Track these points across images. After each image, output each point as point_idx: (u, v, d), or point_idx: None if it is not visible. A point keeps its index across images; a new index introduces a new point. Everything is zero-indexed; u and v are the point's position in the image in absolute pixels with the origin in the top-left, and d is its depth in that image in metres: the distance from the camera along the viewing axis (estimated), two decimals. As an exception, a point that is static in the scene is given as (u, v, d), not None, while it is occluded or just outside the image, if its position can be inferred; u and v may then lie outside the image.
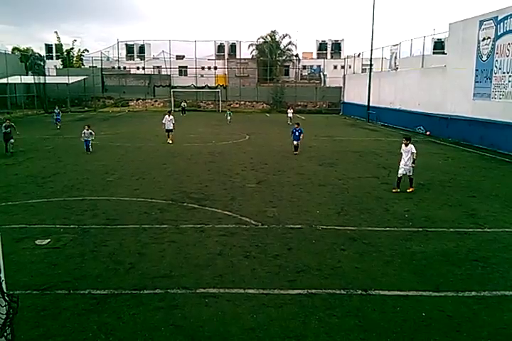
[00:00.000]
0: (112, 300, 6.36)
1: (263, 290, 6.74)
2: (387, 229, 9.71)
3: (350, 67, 52.79)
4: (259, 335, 5.51)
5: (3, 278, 2.17)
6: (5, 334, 2.23)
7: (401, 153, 13.20)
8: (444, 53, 34.85)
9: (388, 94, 37.41)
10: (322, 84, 59.78)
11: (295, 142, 20.14)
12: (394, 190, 12.92)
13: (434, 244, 8.78)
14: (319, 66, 65.68)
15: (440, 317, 5.96)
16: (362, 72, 49.41)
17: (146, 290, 6.68)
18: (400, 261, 7.91)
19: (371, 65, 39.58)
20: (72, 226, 9.67)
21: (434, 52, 44.97)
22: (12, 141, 19.54)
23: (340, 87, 52.82)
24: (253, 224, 9.99)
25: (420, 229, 9.66)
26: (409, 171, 12.90)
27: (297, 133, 20.03)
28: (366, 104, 39.99)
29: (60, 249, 8.32)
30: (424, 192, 13.21)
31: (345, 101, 50.66)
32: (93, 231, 9.36)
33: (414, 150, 12.79)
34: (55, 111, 32.20)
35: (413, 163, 12.83)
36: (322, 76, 62.15)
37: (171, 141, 23.47)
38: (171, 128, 23.74)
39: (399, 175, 13.01)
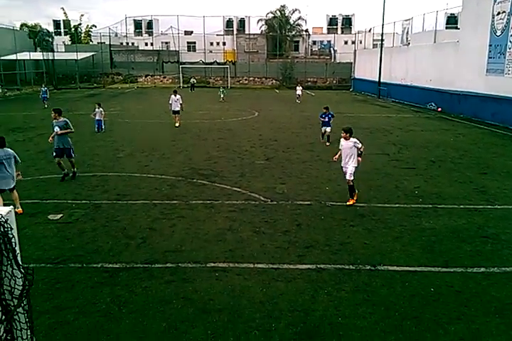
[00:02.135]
0: (124, 274, 6.48)
1: (272, 264, 6.81)
2: (397, 205, 9.70)
3: (361, 42, 51.91)
4: (268, 309, 5.60)
5: (18, 252, 2.20)
6: (22, 304, 2.28)
7: (340, 150, 9.92)
8: (457, 28, 34.00)
9: (399, 69, 36.78)
10: (332, 60, 58.83)
11: (324, 129, 16.76)
12: (349, 203, 9.67)
13: (444, 220, 8.78)
14: (329, 41, 64.51)
15: (448, 293, 6.01)
16: (373, 48, 48.57)
17: (157, 264, 6.79)
18: (409, 237, 7.93)
19: (382, 40, 38.76)
20: (83, 201, 9.79)
21: (446, 27, 44.00)
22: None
23: (351, 63, 51.96)
24: (262, 200, 10.03)
25: (430, 206, 9.64)
26: (350, 174, 9.57)
27: (327, 119, 16.69)
28: (377, 80, 39.39)
29: (72, 224, 8.44)
30: (434, 169, 13.12)
31: (356, 77, 49.93)
32: (104, 207, 9.46)
33: (359, 145, 9.54)
34: (42, 89, 30.50)
35: (357, 163, 9.72)
36: (332, 51, 61.08)
37: (178, 124, 21.18)
38: (178, 109, 21.25)
39: (349, 181, 9.71)
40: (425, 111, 29.52)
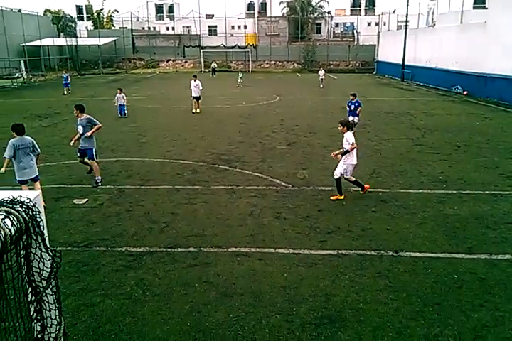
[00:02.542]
0: (148, 257, 6.61)
1: (293, 250, 6.84)
2: (420, 191, 9.58)
3: (384, 24, 50.63)
4: (289, 293, 5.65)
5: (46, 235, 2.26)
6: (50, 286, 2.36)
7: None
8: (484, 8, 32.84)
9: (424, 52, 35.84)
10: (355, 43, 57.72)
11: (351, 118, 15.06)
12: (333, 198, 9.02)
13: (469, 206, 8.64)
14: (352, 23, 63.29)
15: (472, 280, 5.94)
16: (397, 30, 47.37)
17: (180, 248, 6.89)
18: (432, 223, 7.84)
19: (407, 21, 37.77)
20: (108, 186, 9.95)
21: (474, 7, 42.45)
22: None
23: (374, 45, 50.86)
24: (283, 185, 10.03)
25: (454, 192, 9.49)
26: (338, 173, 8.89)
27: (353, 107, 15.38)
28: (401, 62, 38.55)
29: (97, 208, 8.62)
30: (459, 153, 12.86)
31: (380, 59, 48.92)
32: (128, 191, 9.61)
33: (350, 140, 8.73)
34: (64, 75, 29.82)
35: (344, 153, 8.84)
36: (355, 34, 59.93)
37: (198, 110, 20.92)
38: (198, 95, 20.92)
39: (335, 177, 8.97)
40: (450, 94, 28.83)
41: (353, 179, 9.08)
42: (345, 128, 8.93)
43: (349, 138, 8.79)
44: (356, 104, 15.32)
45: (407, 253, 6.70)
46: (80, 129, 9.97)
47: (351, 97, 15.47)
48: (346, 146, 8.85)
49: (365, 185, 9.28)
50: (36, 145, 8.34)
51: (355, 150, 8.90)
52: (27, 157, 8.12)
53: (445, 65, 31.68)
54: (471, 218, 8.03)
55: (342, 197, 8.99)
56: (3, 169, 8.02)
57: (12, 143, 7.94)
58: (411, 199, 9.03)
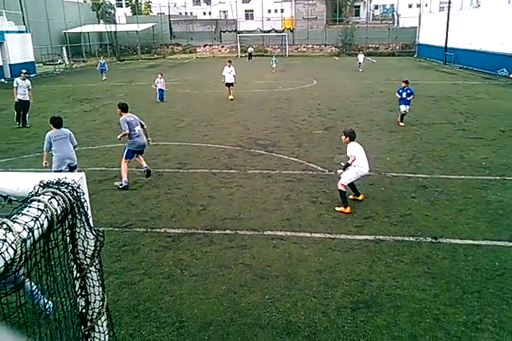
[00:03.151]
0: (186, 239, 6.75)
1: (330, 234, 6.82)
2: (462, 177, 9.31)
3: (426, 5, 48.74)
4: (325, 277, 5.65)
5: (90, 215, 2.35)
6: (94, 264, 2.45)
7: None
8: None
9: (468, 33, 34.38)
10: (395, 25, 56.03)
11: (403, 108, 14.22)
12: (337, 209, 7.79)
13: (513, 193, 8.34)
14: (392, 5, 61.39)
15: (515, 268, 5.77)
16: (439, 11, 45.55)
17: (216, 231, 6.99)
18: (474, 209, 7.63)
19: (450, 2, 36.24)
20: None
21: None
22: None
23: (415, 28, 49.19)
24: (320, 170, 9.96)
25: (498, 178, 9.17)
26: (341, 184, 7.77)
27: (405, 95, 14.12)
28: (443, 45, 37.17)
29: (137, 191, 8.83)
30: (504, 139, 12.38)
31: (421, 42, 47.34)
32: (166, 175, 9.79)
33: (349, 152, 7.77)
34: (101, 61, 29.95)
35: (344, 167, 7.74)
36: (395, 16, 58.07)
37: (232, 97, 19.96)
38: (232, 81, 19.97)
39: (344, 184, 7.82)
40: (495, 77, 27.65)
41: (344, 189, 7.73)
42: (348, 139, 7.94)
43: (349, 150, 7.79)
44: (408, 92, 14.09)
45: (446, 240, 6.56)
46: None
47: (403, 84, 14.26)
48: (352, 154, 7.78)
49: (345, 209, 7.69)
50: (73, 137, 8.23)
51: (364, 160, 7.79)
52: (64, 146, 8.01)
53: (490, 47, 30.34)
54: (516, 205, 7.76)
55: (348, 211, 7.63)
56: (44, 162, 8.10)
57: (48, 136, 7.93)
58: (452, 185, 8.80)
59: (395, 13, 59.13)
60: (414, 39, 49.46)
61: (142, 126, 9.36)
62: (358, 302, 5.14)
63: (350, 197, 8.11)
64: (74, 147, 8.28)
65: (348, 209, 7.64)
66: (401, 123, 14.24)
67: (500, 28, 29.24)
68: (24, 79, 15.20)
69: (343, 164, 7.88)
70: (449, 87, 23.68)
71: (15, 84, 15.10)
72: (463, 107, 17.32)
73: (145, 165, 9.50)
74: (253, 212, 7.70)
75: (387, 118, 15.33)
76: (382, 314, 4.92)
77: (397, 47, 51.71)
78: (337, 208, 7.76)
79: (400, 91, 14.31)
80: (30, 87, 15.28)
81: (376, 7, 65.01)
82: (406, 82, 14.28)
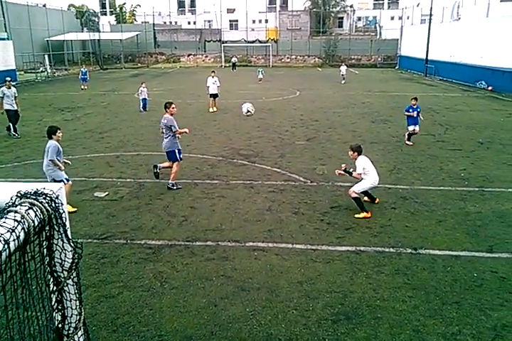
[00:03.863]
0: (167, 250, 6.68)
1: (311, 245, 6.83)
2: (441, 188, 9.44)
3: (408, 18, 49.71)
4: (306, 289, 5.65)
5: (68, 226, 2.31)
6: (71, 276, 2.41)
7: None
8: (512, 1, 31.99)
9: (448, 46, 35.14)
10: (378, 37, 56.91)
11: (411, 128, 13.24)
12: (358, 216, 7.90)
13: (491, 204, 8.48)
14: (375, 17, 62.41)
15: (492, 279, 5.85)
16: (421, 24, 46.50)
17: (198, 242, 6.95)
18: (453, 220, 7.73)
19: (431, 15, 37.03)
20: (128, 180, 10.08)
21: (501, 0, 41.38)
22: None
23: (397, 40, 50.07)
24: (302, 181, 10.00)
25: (476, 189, 9.33)
26: (352, 191, 8.03)
27: (415, 114, 13.14)
28: (424, 57, 37.89)
29: (117, 201, 8.73)
30: (482, 150, 12.62)
31: (402, 54, 48.18)
32: (148, 185, 9.72)
33: (358, 169, 7.90)
34: (82, 70, 29.33)
35: (347, 173, 8.14)
36: (378, 28, 59.08)
37: (215, 109, 19.69)
38: (216, 92, 19.63)
39: (352, 195, 8.01)
40: (474, 89, 28.25)
41: (358, 195, 7.95)
42: (356, 154, 7.97)
43: (360, 164, 7.85)
44: (418, 110, 13.22)
45: (426, 251, 6.62)
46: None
47: (412, 102, 13.22)
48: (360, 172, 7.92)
49: (367, 214, 7.89)
50: (50, 150, 7.84)
51: (375, 172, 8.03)
52: (44, 159, 7.99)
53: (470, 59, 31.03)
54: (493, 216, 7.89)
55: (369, 215, 7.87)
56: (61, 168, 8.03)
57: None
58: (431, 197, 8.92)
59: (377, 25, 60.14)
60: (395, 51, 50.32)
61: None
62: (339, 314, 5.14)
63: (358, 216, 7.88)
64: (50, 160, 7.86)
65: (368, 214, 7.85)
66: (408, 142, 13.28)
67: (479, 41, 29.95)
68: (9, 88, 14.79)
69: (342, 171, 8.22)
70: (429, 98, 24.07)
71: (0, 94, 14.56)
72: (443, 119, 17.62)
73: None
74: (235, 223, 7.68)
75: (368, 130, 15.51)
76: (363, 326, 4.92)
77: (379, 59, 52.52)
78: (356, 215, 7.88)
79: (410, 110, 13.24)
80: (16, 95, 14.93)
81: (359, 19, 66.00)
82: (415, 99, 13.25)
